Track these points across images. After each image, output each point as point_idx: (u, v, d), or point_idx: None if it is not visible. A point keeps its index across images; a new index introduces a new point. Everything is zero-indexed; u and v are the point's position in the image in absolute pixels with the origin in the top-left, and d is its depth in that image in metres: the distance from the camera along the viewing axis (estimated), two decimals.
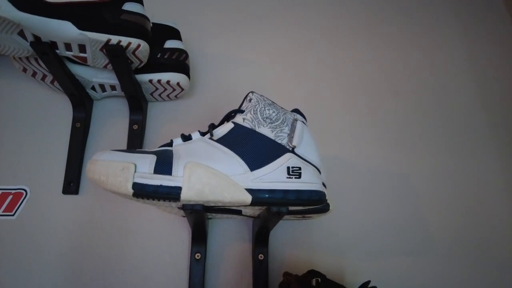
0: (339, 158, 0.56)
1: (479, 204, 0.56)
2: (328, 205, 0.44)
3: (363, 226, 0.52)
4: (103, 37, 0.42)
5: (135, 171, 0.32)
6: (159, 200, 0.33)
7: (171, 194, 0.32)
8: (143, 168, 0.32)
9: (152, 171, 0.32)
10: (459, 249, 0.52)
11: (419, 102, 0.63)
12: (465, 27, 0.72)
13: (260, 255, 0.47)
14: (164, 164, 0.33)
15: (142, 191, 0.31)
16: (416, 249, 0.52)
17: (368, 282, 0.41)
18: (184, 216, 0.47)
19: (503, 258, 0.52)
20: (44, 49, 0.42)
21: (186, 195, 0.32)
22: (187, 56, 0.54)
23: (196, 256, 0.46)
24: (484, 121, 0.63)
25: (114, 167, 0.32)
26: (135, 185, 0.31)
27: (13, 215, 0.49)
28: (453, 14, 0.73)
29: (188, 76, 0.54)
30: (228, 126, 0.38)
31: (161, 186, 0.32)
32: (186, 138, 0.38)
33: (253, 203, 0.34)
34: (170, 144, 0.37)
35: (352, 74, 0.64)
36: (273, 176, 0.35)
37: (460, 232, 0.53)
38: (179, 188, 0.32)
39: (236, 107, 0.41)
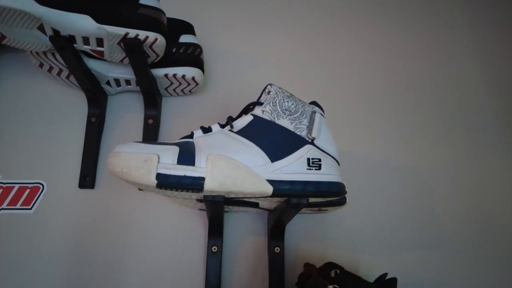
0: (352, 153, 0.56)
1: (492, 199, 0.56)
2: (345, 198, 0.44)
3: (375, 220, 0.52)
4: (121, 30, 0.42)
5: (158, 162, 0.32)
6: (182, 191, 0.33)
7: (195, 184, 0.32)
8: (166, 159, 0.32)
9: (176, 162, 0.32)
10: (471, 242, 0.52)
11: (430, 97, 0.63)
12: (472, 24, 0.72)
13: (276, 248, 0.47)
14: (187, 155, 0.33)
15: (165, 182, 0.32)
16: (428, 243, 0.52)
17: (385, 274, 0.41)
18: (201, 210, 0.48)
19: None
20: (63, 43, 0.43)
21: (209, 186, 0.32)
22: (201, 50, 0.54)
23: (213, 249, 0.46)
24: (497, 117, 0.62)
25: (137, 158, 0.32)
26: (159, 176, 0.31)
27: (30, 209, 0.49)
28: (462, 9, 0.73)
29: (203, 70, 0.54)
30: (247, 118, 0.38)
31: (184, 176, 0.32)
32: (206, 130, 0.38)
33: (274, 194, 0.34)
34: (191, 136, 0.37)
35: (362, 70, 0.64)
36: (293, 168, 0.35)
37: (473, 226, 0.53)
38: (202, 179, 0.32)
39: (249, 101, 0.40)
